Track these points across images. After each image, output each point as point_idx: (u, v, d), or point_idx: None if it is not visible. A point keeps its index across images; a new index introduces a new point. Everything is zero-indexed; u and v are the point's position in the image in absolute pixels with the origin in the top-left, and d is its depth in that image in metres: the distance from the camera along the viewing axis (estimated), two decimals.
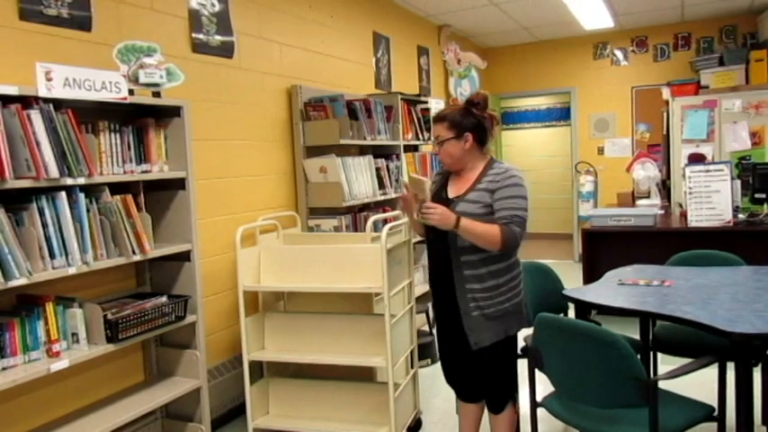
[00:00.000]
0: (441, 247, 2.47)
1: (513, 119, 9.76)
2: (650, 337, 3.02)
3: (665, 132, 6.72)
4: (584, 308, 2.67)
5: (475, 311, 2.39)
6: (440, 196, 2.49)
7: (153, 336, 2.74)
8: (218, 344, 3.43)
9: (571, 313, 2.90)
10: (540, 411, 2.39)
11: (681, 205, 5.47)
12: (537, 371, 2.36)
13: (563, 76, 7.79)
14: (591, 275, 4.66)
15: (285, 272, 3.17)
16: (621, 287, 2.74)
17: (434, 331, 2.74)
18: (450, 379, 2.69)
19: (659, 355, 3.09)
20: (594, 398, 2.11)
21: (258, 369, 3.43)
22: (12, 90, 2.09)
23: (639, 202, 5.96)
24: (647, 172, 6.03)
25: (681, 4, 6.30)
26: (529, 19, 6.62)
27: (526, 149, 9.80)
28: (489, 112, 2.46)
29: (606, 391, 2.05)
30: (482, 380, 2.54)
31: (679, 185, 6.04)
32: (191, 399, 2.91)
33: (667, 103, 6.51)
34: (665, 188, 6.39)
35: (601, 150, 7.68)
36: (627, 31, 7.32)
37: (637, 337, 2.95)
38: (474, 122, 2.42)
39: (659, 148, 7.01)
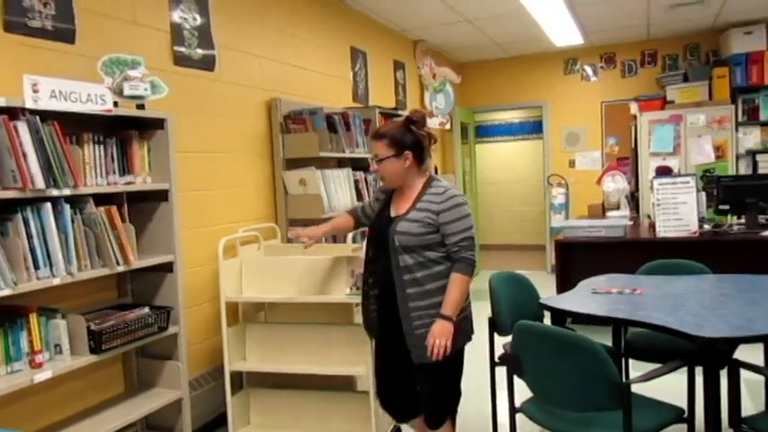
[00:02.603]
0: (383, 266, 2.46)
1: (486, 132, 9.94)
2: (622, 344, 3.13)
3: (633, 146, 6.95)
4: (559, 316, 2.75)
5: (419, 329, 2.40)
6: (383, 215, 2.53)
7: (135, 347, 2.74)
8: (199, 355, 3.44)
9: (547, 321, 2.98)
10: (519, 417, 2.46)
11: (649, 216, 5.65)
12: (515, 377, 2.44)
13: (535, 91, 7.98)
14: (564, 285, 4.77)
15: (266, 283, 3.21)
16: (595, 296, 2.84)
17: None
18: (388, 402, 2.68)
19: (631, 361, 3.19)
20: (571, 402, 2.19)
21: (239, 380, 3.45)
22: None
23: (609, 213, 6.12)
24: (616, 184, 6.21)
25: (647, 22, 6.54)
26: (502, 35, 6.79)
27: (499, 162, 9.98)
28: (427, 129, 2.49)
29: (582, 395, 2.13)
30: (423, 395, 2.54)
31: (647, 197, 6.24)
32: (172, 410, 2.91)
33: (635, 117, 6.74)
34: (633, 200, 6.58)
35: (572, 163, 7.87)
36: (596, 47, 7.55)
37: (610, 343, 3.06)
38: (413, 140, 2.42)
39: (628, 161, 7.23)
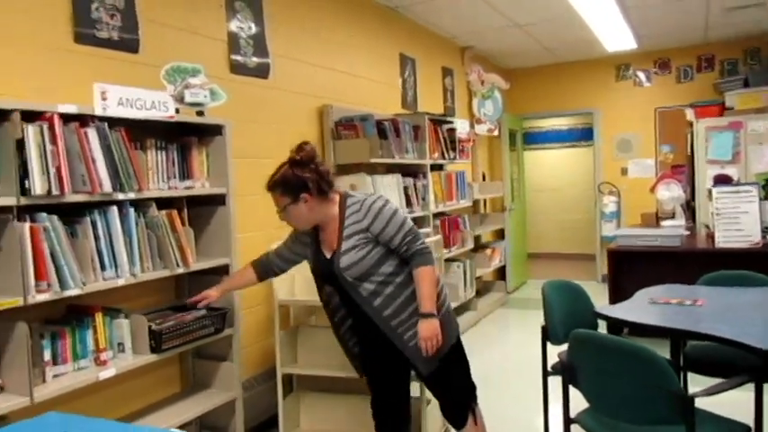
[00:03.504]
0: (345, 300, 2.43)
1: (535, 139, 9.82)
2: (681, 357, 3.03)
3: (688, 153, 6.73)
4: (616, 326, 2.69)
5: (412, 341, 2.35)
6: (318, 259, 2.43)
7: (193, 347, 2.81)
8: (251, 357, 3.50)
9: (601, 331, 2.92)
10: (573, 428, 2.42)
11: (707, 226, 5.46)
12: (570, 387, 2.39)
13: (585, 97, 7.84)
14: (616, 295, 4.66)
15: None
16: (653, 306, 2.76)
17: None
18: (382, 422, 2.62)
19: (689, 374, 3.09)
20: (630, 414, 2.13)
21: (289, 383, 3.49)
22: (71, 109, 2.21)
23: (664, 222, 5.94)
24: (671, 192, 6.03)
25: (704, 26, 6.35)
26: (552, 40, 6.71)
27: (548, 169, 9.84)
28: (316, 163, 2.32)
29: (642, 408, 2.07)
30: (440, 400, 2.53)
31: (704, 206, 6.03)
32: (225, 410, 2.97)
33: (691, 124, 6.53)
34: (689, 209, 6.38)
35: (624, 171, 7.69)
36: (650, 52, 7.37)
37: (667, 356, 2.97)
38: (302, 181, 2.28)
39: (683, 169, 7.01)
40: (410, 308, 2.35)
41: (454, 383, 2.51)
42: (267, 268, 2.64)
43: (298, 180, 2.29)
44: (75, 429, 1.16)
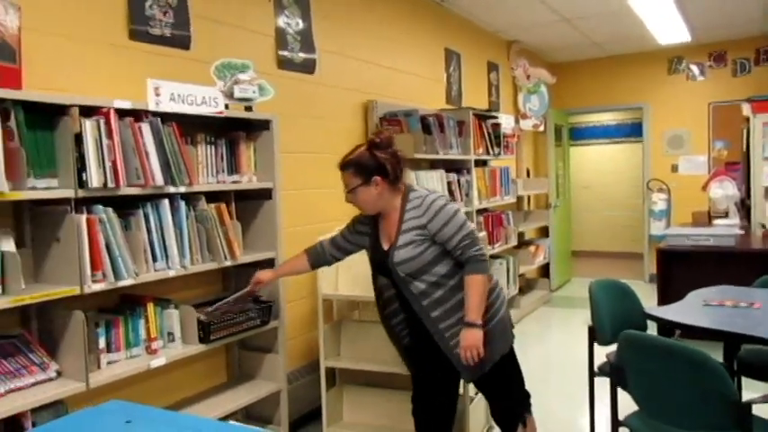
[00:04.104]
0: (398, 294, 2.42)
1: (581, 134, 9.62)
2: (735, 361, 2.93)
3: (744, 150, 6.49)
4: (667, 328, 2.62)
5: (457, 348, 2.31)
6: (377, 249, 2.42)
7: (239, 338, 2.86)
8: (295, 349, 3.54)
9: (651, 333, 2.85)
10: (622, 430, 2.36)
11: (764, 226, 5.27)
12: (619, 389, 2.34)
13: (635, 92, 7.64)
14: (666, 296, 4.53)
15: (361, 281, 3.25)
16: (707, 308, 2.67)
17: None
18: (422, 418, 2.59)
19: (743, 379, 2.99)
20: (682, 419, 2.07)
21: (332, 376, 3.51)
22: (126, 104, 2.27)
23: (716, 221, 5.76)
24: (725, 191, 5.83)
25: (762, 17, 6.09)
26: (601, 34, 6.55)
27: (594, 166, 9.63)
28: (394, 149, 2.32)
29: (695, 413, 2.01)
30: (490, 405, 2.52)
31: (761, 205, 5.81)
32: (270, 401, 3.02)
33: (747, 119, 6.29)
34: (743, 208, 6.15)
35: (674, 168, 7.46)
36: (704, 45, 7.12)
37: (720, 359, 2.87)
38: (378, 164, 2.27)
39: (738, 166, 6.76)
40: (459, 313, 2.31)
41: (504, 392, 2.46)
42: (320, 257, 2.64)
43: (374, 162, 2.28)
44: (137, 418, 1.20)
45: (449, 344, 2.33)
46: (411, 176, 4.02)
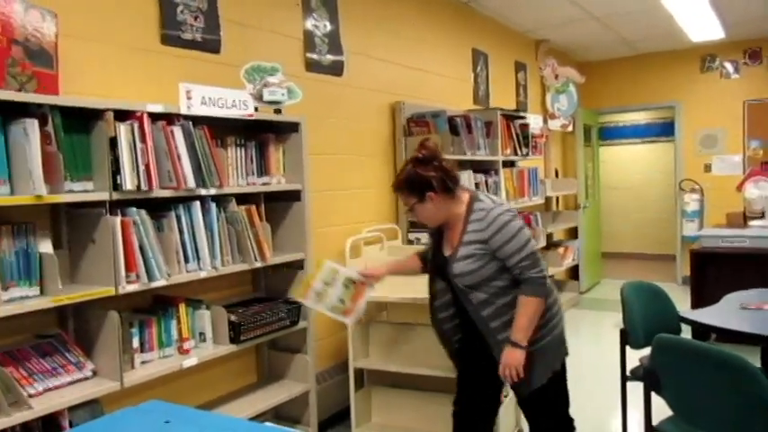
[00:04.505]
0: (455, 299, 2.37)
1: (611, 134, 9.48)
2: None
3: None
4: (703, 331, 2.56)
5: None
6: (437, 255, 2.40)
7: (269, 339, 2.88)
8: (323, 350, 3.56)
9: (685, 336, 2.79)
10: None
11: None
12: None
13: (666, 90, 7.49)
14: (700, 298, 4.44)
15: (389, 283, 3.24)
16: (745, 312, 2.61)
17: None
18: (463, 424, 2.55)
19: None
20: (718, 425, 2.02)
21: (360, 377, 3.52)
22: (159, 108, 2.31)
23: (752, 222, 5.61)
24: (761, 191, 5.68)
25: None
26: (631, 32, 6.45)
27: (624, 166, 9.48)
28: (439, 160, 2.27)
29: (732, 419, 1.96)
30: (528, 423, 2.43)
31: None
32: (299, 402, 3.04)
33: None
34: None
35: (707, 168, 7.29)
36: (738, 42, 6.95)
37: (758, 365, 2.80)
38: (427, 180, 2.24)
39: None
40: None
41: (546, 415, 2.39)
42: (426, 261, 2.58)
43: (422, 179, 2.25)
44: (176, 418, 1.21)
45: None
46: None
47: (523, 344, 2.20)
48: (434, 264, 2.44)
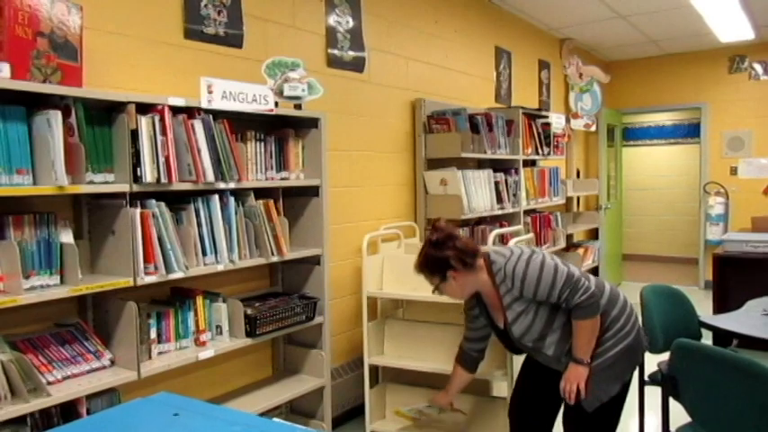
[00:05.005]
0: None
1: (635, 135, 9.35)
2: None
3: None
4: (724, 337, 2.52)
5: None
6: (494, 328, 2.49)
7: (285, 333, 2.90)
8: (339, 346, 3.56)
9: (705, 342, 2.74)
10: None
11: None
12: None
13: (693, 91, 7.36)
14: (722, 303, 4.35)
15: (406, 280, 3.24)
16: (767, 318, 2.56)
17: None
18: (519, 424, 2.59)
19: None
20: None
21: (375, 373, 3.52)
22: (180, 102, 2.32)
23: None
24: None
25: None
26: (659, 32, 6.34)
27: (648, 167, 9.34)
28: (453, 242, 2.33)
29: (751, 428, 1.92)
30: None
31: None
32: (314, 396, 3.05)
33: None
34: None
35: (734, 170, 7.16)
36: None
37: None
38: (444, 260, 2.31)
39: None
40: (570, 341, 2.31)
41: (599, 427, 2.36)
42: (470, 358, 2.66)
43: (440, 260, 2.33)
44: (185, 411, 1.22)
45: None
46: (458, 175, 3.99)
47: (586, 360, 2.23)
48: (498, 334, 2.52)
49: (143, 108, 2.21)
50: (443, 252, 2.32)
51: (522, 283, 2.24)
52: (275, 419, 1.17)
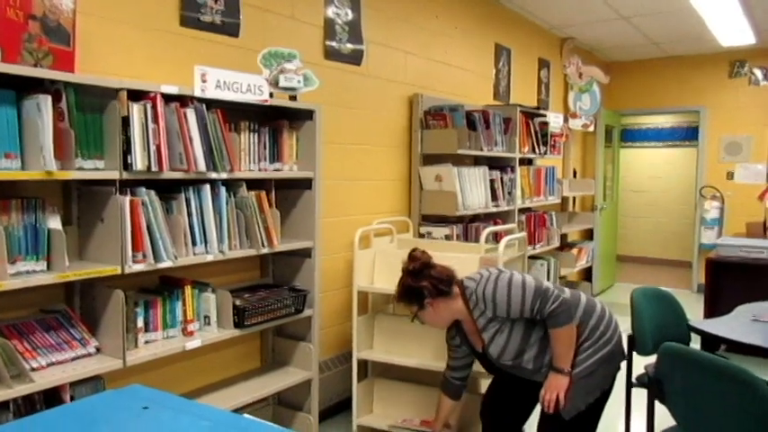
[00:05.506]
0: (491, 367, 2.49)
1: (633, 136, 9.34)
2: None
3: None
4: (712, 342, 2.52)
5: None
6: (475, 354, 2.52)
7: (273, 325, 2.89)
8: (328, 339, 3.56)
9: (694, 346, 2.75)
10: None
11: None
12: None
13: (692, 94, 7.36)
14: (713, 308, 4.37)
15: (397, 275, 3.22)
16: (756, 324, 2.56)
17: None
18: (489, 420, 2.63)
19: None
20: None
21: (364, 368, 3.52)
22: (173, 90, 2.30)
23: None
24: None
25: None
26: (660, 34, 6.33)
27: (645, 169, 9.34)
28: (428, 271, 2.39)
29: None
30: None
31: None
32: (302, 389, 3.04)
33: None
34: None
35: (730, 175, 7.16)
36: None
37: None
38: (421, 289, 2.37)
39: None
40: (550, 353, 2.33)
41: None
42: (453, 387, 2.66)
43: (416, 290, 2.39)
44: (154, 404, 1.21)
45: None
46: (453, 172, 3.97)
47: (566, 369, 2.26)
48: (480, 361, 2.56)
49: (135, 95, 2.19)
50: (420, 282, 2.39)
51: (494, 303, 2.29)
52: (246, 416, 1.16)
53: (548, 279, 5.39)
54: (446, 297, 2.39)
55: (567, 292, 2.36)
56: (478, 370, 2.83)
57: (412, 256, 2.47)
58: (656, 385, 2.21)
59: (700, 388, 1.99)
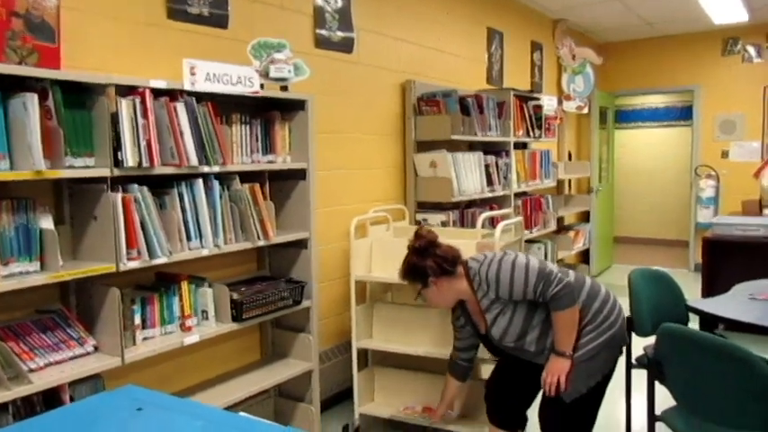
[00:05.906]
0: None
1: (627, 117, 9.32)
2: None
3: None
4: (710, 321, 2.52)
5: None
6: (478, 335, 2.53)
7: (272, 318, 2.88)
8: (327, 329, 3.56)
9: (693, 325, 2.75)
10: (659, 426, 2.30)
11: None
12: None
13: (686, 74, 7.33)
14: (711, 287, 4.37)
15: (394, 263, 3.21)
16: (754, 302, 2.56)
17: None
18: (495, 408, 2.63)
19: None
20: (722, 417, 2.00)
21: (364, 357, 3.52)
22: (162, 84, 2.28)
23: None
24: None
25: None
26: (653, 13, 6.29)
27: (640, 150, 9.33)
28: (434, 249, 2.38)
29: (736, 411, 1.93)
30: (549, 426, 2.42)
31: None
32: (302, 380, 3.05)
33: None
34: None
35: (725, 154, 7.16)
36: (762, 25, 6.76)
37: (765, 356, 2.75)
38: (426, 267, 2.36)
39: None
40: (552, 336, 2.33)
41: (566, 423, 2.38)
42: (459, 368, 2.68)
43: (422, 267, 2.38)
44: (149, 405, 1.20)
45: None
46: (448, 158, 3.96)
47: (568, 352, 2.25)
48: (483, 342, 2.58)
49: (124, 91, 2.17)
50: (424, 260, 2.38)
51: (497, 284, 2.28)
52: (241, 413, 1.15)
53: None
54: (450, 276, 2.38)
55: (572, 275, 2.35)
56: (481, 357, 2.84)
57: (418, 234, 2.46)
58: (655, 366, 2.22)
59: (699, 367, 2.00)
